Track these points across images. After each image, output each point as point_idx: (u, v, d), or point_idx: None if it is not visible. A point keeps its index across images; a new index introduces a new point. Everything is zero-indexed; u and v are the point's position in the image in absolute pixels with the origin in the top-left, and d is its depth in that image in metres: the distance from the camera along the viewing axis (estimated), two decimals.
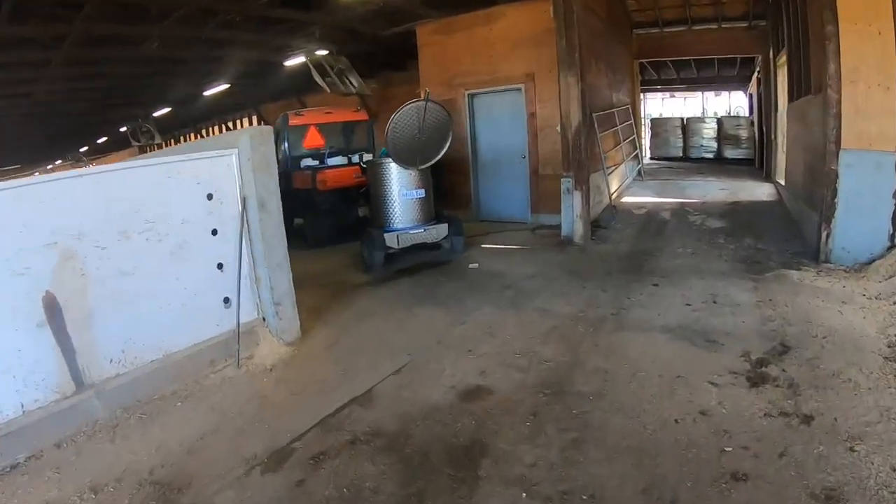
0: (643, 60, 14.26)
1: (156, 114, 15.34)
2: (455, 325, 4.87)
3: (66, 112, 13.46)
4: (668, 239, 7.35)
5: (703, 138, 15.56)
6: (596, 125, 8.24)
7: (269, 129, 4.75)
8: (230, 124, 19.18)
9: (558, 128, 7.55)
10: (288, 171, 8.97)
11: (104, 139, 21.08)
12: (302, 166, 8.83)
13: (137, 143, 15.84)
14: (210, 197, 4.47)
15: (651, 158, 16.00)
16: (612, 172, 9.47)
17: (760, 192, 10.20)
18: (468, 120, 9.25)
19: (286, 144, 9.14)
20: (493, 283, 5.93)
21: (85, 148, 21.99)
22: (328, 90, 9.81)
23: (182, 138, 20.87)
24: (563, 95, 7.05)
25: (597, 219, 8.20)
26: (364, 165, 7.53)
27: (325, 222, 8.39)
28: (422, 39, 9.58)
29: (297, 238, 8.55)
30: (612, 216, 8.50)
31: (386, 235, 6.68)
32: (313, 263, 7.53)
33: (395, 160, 6.50)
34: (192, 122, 19.57)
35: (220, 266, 4.53)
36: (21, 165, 24.64)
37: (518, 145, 8.81)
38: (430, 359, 4.24)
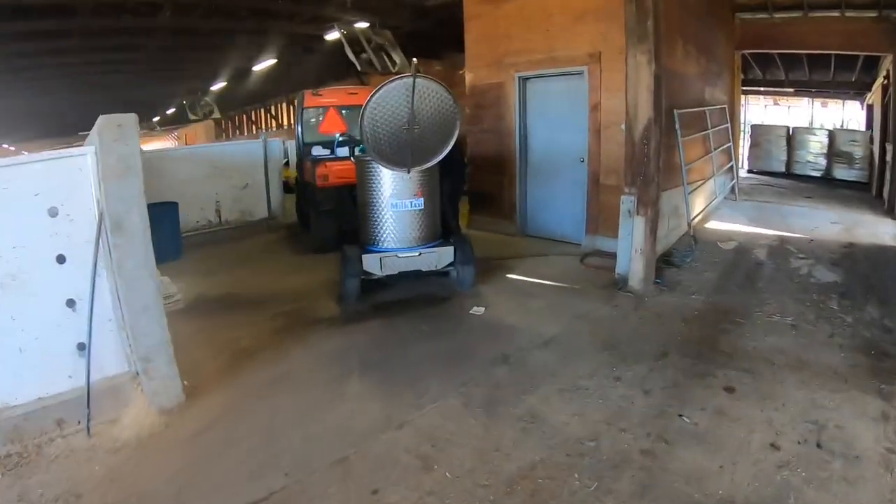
0: (746, 52, 11.31)
1: (213, 87, 14.89)
2: (387, 428, 3.17)
3: (113, 84, 13.30)
4: (760, 294, 5.10)
5: (811, 153, 12.67)
6: (678, 125, 5.96)
7: (131, 118, 3.29)
8: (273, 109, 18.59)
9: (623, 125, 5.44)
10: (300, 159, 7.63)
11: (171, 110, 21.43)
12: (312, 156, 7.39)
13: (196, 118, 15.59)
14: (54, 213, 3.27)
15: (748, 171, 13.08)
16: (696, 189, 7.09)
17: (884, 231, 7.36)
18: (518, 109, 7.30)
19: (300, 128, 7.81)
20: (485, 350, 4.11)
21: (156, 118, 22.45)
22: (359, 67, 8.28)
23: (239, 118, 20.74)
24: (631, 79, 4.94)
25: (668, 252, 5.99)
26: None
27: (327, 224, 6.92)
28: (468, 10, 7.71)
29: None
30: (689, 250, 6.20)
31: (365, 258, 5.05)
32: (294, 276, 6.19)
33: (375, 159, 4.81)
34: (247, 101, 19.19)
35: (70, 303, 3.37)
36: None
37: (576, 145, 6.74)
38: (313, 494, 2.64)
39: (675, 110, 5.82)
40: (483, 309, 4.91)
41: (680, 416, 3.13)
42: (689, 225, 6.47)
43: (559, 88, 6.93)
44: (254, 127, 23.04)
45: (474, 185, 8.26)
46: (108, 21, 8.11)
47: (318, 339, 4.47)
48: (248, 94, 16.79)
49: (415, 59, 4.65)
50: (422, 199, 5.11)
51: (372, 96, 4.56)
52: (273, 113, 21.02)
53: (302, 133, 7.83)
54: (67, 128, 20.74)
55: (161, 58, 11.11)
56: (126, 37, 9.15)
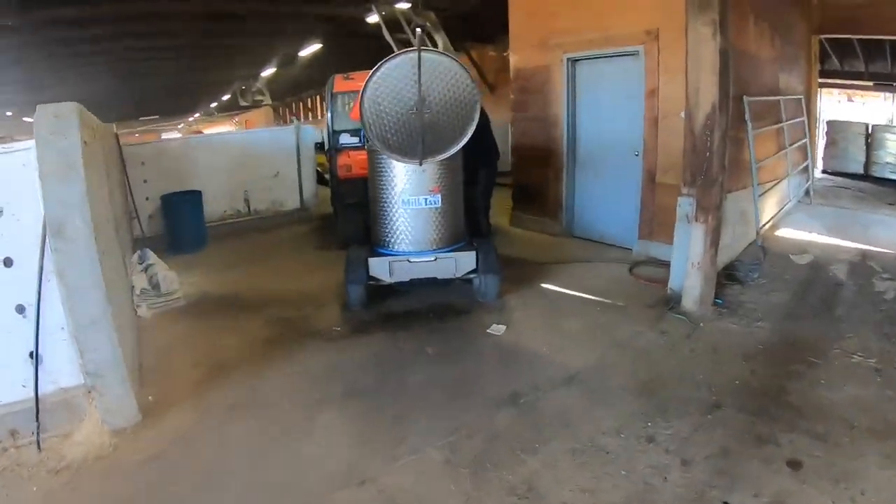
0: (825, 37, 9.68)
1: (263, 73, 14.80)
2: (345, 484, 2.62)
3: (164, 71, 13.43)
4: (838, 324, 4.13)
5: (890, 153, 10.90)
6: (748, 115, 4.95)
7: (71, 108, 2.86)
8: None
9: (683, 113, 4.56)
10: (330, 148, 7.20)
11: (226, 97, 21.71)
12: (339, 145, 6.90)
13: (246, 104, 15.58)
14: None
15: (823, 171, 11.48)
16: (767, 191, 6.01)
17: None
18: (567, 95, 6.47)
19: (329, 115, 7.32)
20: (493, 385, 3.47)
21: (215, 104, 22.81)
22: (395, 49, 7.66)
23: (295, 104, 20.55)
24: (692, 57, 4.07)
25: (732, 264, 5.05)
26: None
27: (352, 218, 6.39)
28: None
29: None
30: (756, 263, 5.20)
31: (372, 262, 4.49)
32: (310, 275, 5.74)
33: (380, 149, 4.22)
34: (299, 88, 19.02)
35: (20, 309, 3.09)
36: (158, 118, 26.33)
37: (630, 137, 5.87)
38: None
39: (744, 97, 4.83)
40: (504, 328, 4.23)
41: (725, 503, 2.35)
42: (757, 233, 5.44)
43: (612, 71, 6.04)
44: (309, 114, 23.06)
45: (519, 178, 7.53)
46: (144, 5, 7.98)
47: (307, 355, 3.97)
48: (299, 81, 16.66)
49: (419, 30, 4.00)
50: (439, 195, 4.47)
51: (372, 75, 3.96)
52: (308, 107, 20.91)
53: (332, 120, 7.33)
54: (126, 114, 21.59)
55: (205, 44, 11.04)
56: (164, 22, 9.04)
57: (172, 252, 6.95)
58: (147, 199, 7.22)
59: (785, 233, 6.39)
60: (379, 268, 4.51)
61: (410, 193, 4.45)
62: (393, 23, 8.10)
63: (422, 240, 4.55)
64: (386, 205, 4.54)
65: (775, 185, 6.43)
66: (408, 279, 4.56)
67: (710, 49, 3.84)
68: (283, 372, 3.72)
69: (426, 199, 4.45)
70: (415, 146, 4.15)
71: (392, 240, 4.59)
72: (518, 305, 4.68)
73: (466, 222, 5.37)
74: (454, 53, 8.22)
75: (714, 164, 4.23)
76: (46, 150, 2.77)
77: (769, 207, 6.23)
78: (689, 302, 4.34)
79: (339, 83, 7.01)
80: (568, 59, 6.34)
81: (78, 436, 3.07)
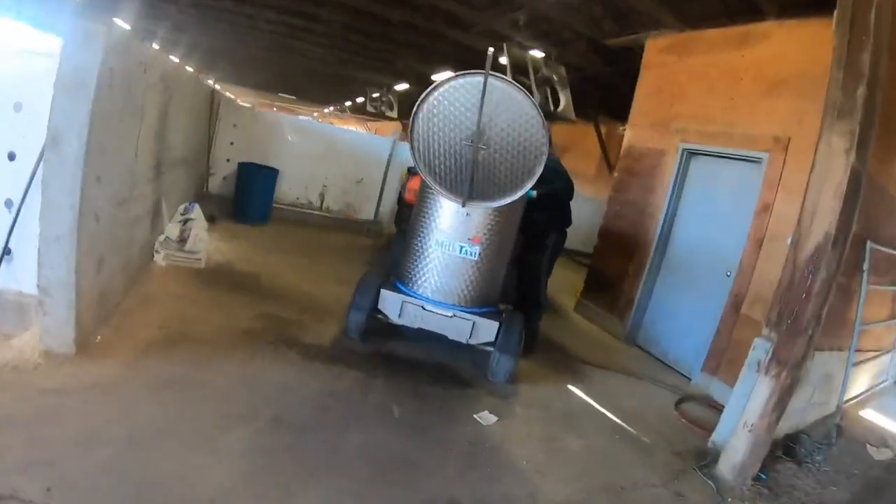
0: None
1: (396, 87, 15.23)
2: None
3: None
4: None
5: None
6: (867, 264, 3.94)
7: (102, 31, 2.85)
8: None
9: (790, 239, 3.74)
10: (408, 171, 7.05)
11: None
12: (414, 168, 6.68)
13: (373, 112, 16.03)
14: (18, 108, 3.00)
15: None
16: (865, 361, 4.78)
17: None
18: (673, 187, 5.75)
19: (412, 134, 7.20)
20: (439, 482, 2.83)
21: (349, 103, 23.48)
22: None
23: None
24: (816, 172, 3.30)
25: (797, 435, 3.99)
26: None
27: (398, 244, 6.10)
28: (647, 57, 6.36)
29: None
30: (825, 443, 4.04)
31: (384, 294, 4.09)
32: (334, 287, 5.42)
33: (424, 176, 3.84)
34: None
35: (8, 204, 3.13)
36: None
37: (727, 252, 5.03)
38: None
39: (868, 241, 3.87)
40: (495, 420, 3.56)
41: None
42: (838, 407, 4.29)
43: (727, 174, 5.27)
44: None
45: (597, 264, 6.86)
46: None
47: (269, 363, 3.62)
48: None
49: (491, 49, 3.58)
50: (478, 247, 3.99)
51: (431, 91, 3.62)
52: None
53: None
54: (264, 84, 23.15)
55: (350, 39, 11.48)
56: (316, 7, 9.50)
57: (233, 218, 7.07)
58: (227, 160, 7.45)
59: (870, 416, 5.08)
60: (390, 304, 4.10)
61: (447, 236, 4.01)
62: (520, 68, 7.84)
63: (445, 290, 4.07)
64: (419, 239, 4.14)
65: (877, 356, 5.18)
66: (416, 327, 4.08)
67: (839, 166, 3.06)
68: (233, 370, 3.39)
69: (462, 248, 3.99)
70: (459, 183, 3.73)
71: (414, 279, 4.16)
72: (527, 400, 4.01)
73: (520, 290, 4.88)
74: (572, 116, 7.79)
75: (808, 310, 3.36)
76: (67, 61, 2.74)
77: (861, 380, 4.98)
78: (725, 466, 3.43)
79: None
80: (684, 150, 5.65)
81: (15, 341, 3.02)
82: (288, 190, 7.94)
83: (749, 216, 4.79)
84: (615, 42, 6.81)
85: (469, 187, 3.74)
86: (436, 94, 3.60)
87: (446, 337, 4.07)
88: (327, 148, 7.98)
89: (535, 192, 4.39)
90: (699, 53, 5.66)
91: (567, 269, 9.11)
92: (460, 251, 3.99)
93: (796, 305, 3.40)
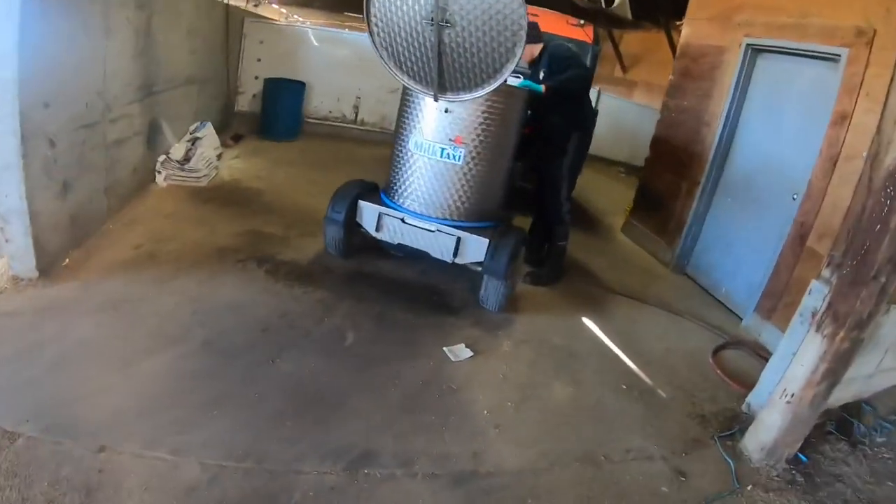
0: None
1: None
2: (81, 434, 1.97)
3: None
4: None
5: None
6: None
7: None
8: None
9: (866, 153, 2.94)
10: None
11: None
12: None
13: None
14: None
15: None
16: None
17: None
18: (734, 91, 4.77)
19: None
20: (363, 428, 2.49)
21: None
22: None
23: None
24: None
25: (857, 405, 3.29)
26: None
27: None
28: None
29: None
30: (892, 419, 3.34)
31: (361, 204, 3.72)
32: None
33: (388, 67, 3.34)
34: None
35: None
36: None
37: (794, 171, 4.13)
38: None
39: None
40: (468, 356, 3.16)
41: None
42: None
43: (799, 76, 4.24)
44: None
45: (647, 179, 6.08)
46: None
47: (224, 284, 3.43)
48: None
49: None
50: (462, 149, 3.45)
51: None
52: None
53: None
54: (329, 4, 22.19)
55: None
56: None
57: (261, 135, 6.94)
58: (256, 77, 7.17)
59: None
60: (367, 216, 3.71)
61: (426, 137, 3.49)
62: None
63: (428, 201, 3.61)
64: (399, 142, 3.68)
65: None
66: (396, 243, 3.69)
67: None
68: (187, 289, 3.29)
69: (443, 150, 3.48)
70: (424, 70, 3.18)
71: (395, 188, 3.73)
72: (523, 333, 3.57)
73: (539, 206, 4.42)
74: (627, 15, 6.68)
75: (882, 248, 2.61)
76: None
77: None
78: (752, 442, 2.87)
79: None
80: (748, 46, 4.61)
81: None
82: (320, 104, 7.58)
83: (822, 128, 3.84)
84: None
85: (438, 76, 3.17)
86: None
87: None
88: (360, 58, 7.40)
89: (543, 87, 3.75)
90: None
91: (623, 185, 8.30)
92: (441, 154, 3.48)
93: (867, 241, 2.64)
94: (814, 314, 2.83)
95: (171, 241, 3.74)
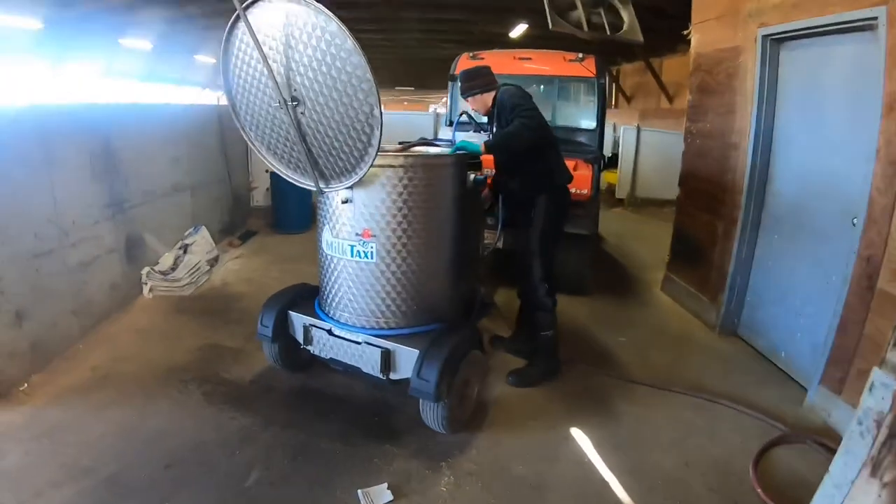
0: None
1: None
2: None
3: None
4: None
5: None
6: None
7: None
8: None
9: None
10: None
11: None
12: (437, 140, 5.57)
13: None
14: None
15: None
16: None
17: None
18: (759, 98, 3.76)
19: (449, 100, 6.11)
20: None
21: None
22: (551, 25, 5.74)
23: None
24: None
25: None
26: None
27: None
28: None
29: None
30: None
31: (291, 314, 3.17)
32: None
33: (257, 150, 2.83)
34: None
35: None
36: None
37: (849, 184, 3.03)
38: None
39: None
40: (387, 501, 2.35)
41: None
42: None
43: (832, 61, 3.20)
44: None
45: (680, 223, 5.04)
46: None
47: (157, 410, 3.01)
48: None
49: None
50: (372, 243, 2.81)
51: (230, 30, 2.46)
52: None
53: (450, 109, 6.05)
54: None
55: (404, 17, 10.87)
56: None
57: (274, 228, 6.95)
58: (266, 171, 7.15)
59: None
60: (296, 327, 3.13)
61: (333, 233, 2.89)
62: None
63: (355, 308, 2.91)
64: (319, 242, 3.10)
65: None
66: (327, 357, 3.06)
67: None
68: (120, 416, 2.93)
69: (352, 248, 2.82)
70: (287, 153, 2.64)
71: (324, 295, 3.10)
72: (476, 461, 2.64)
73: (519, 290, 3.54)
74: (639, 37, 5.83)
75: None
76: None
77: None
78: None
79: (464, 64, 5.58)
80: (765, 38, 3.63)
81: None
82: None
83: (874, 122, 2.76)
84: None
85: (313, 163, 2.61)
86: (237, 32, 2.48)
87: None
88: None
89: (482, 145, 3.07)
90: None
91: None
92: (352, 253, 2.84)
93: None
94: (872, 425, 1.74)
95: (129, 362, 3.52)
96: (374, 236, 2.77)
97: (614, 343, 4.00)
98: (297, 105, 2.39)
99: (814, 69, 3.37)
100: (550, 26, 5.88)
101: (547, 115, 5.88)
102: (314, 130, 2.47)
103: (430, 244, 2.88)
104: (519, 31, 10.63)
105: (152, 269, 4.79)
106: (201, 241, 5.42)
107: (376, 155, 2.40)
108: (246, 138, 2.77)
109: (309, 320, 3.06)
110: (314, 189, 2.72)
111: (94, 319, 3.97)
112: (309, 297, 3.29)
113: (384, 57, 16.05)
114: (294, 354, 3.30)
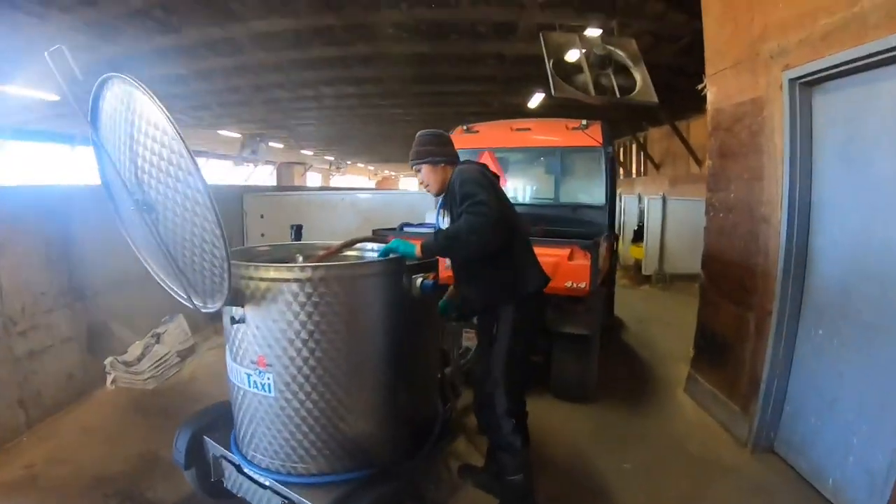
0: None
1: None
2: None
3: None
4: None
5: None
6: None
7: None
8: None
9: None
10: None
11: None
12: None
13: None
14: None
15: None
16: None
17: None
18: (790, 164, 2.99)
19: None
20: None
21: None
22: (553, 91, 5.24)
23: None
24: None
25: None
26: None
27: None
28: None
29: None
30: None
31: (206, 440, 2.61)
32: None
33: (136, 251, 2.26)
34: None
35: None
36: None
37: None
38: None
39: None
40: None
41: None
42: None
43: (880, 98, 2.44)
44: None
45: (704, 315, 4.17)
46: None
47: None
48: None
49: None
50: (268, 373, 2.11)
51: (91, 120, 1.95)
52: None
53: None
54: (384, 156, 24.06)
55: (412, 92, 10.81)
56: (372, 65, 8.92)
57: None
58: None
59: None
60: (209, 455, 2.54)
61: (232, 356, 2.26)
62: (559, 48, 5.67)
63: (265, 445, 2.22)
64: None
65: None
66: (239, 496, 2.36)
67: None
68: None
69: (249, 377, 2.16)
70: (177, 273, 2.03)
71: (235, 426, 2.44)
72: None
73: (487, 435, 2.66)
74: (653, 99, 5.24)
75: None
76: None
77: None
78: None
79: (460, 138, 5.06)
80: (793, 83, 2.92)
81: None
82: None
83: None
84: None
85: (181, 276, 2.00)
86: (97, 125, 1.97)
87: None
88: (364, 219, 6.73)
89: (417, 247, 2.30)
90: None
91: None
92: (248, 382, 2.16)
93: None
94: None
95: (63, 464, 3.17)
96: (270, 365, 2.10)
97: (616, 470, 3.07)
98: (147, 210, 1.84)
99: (856, 115, 2.61)
100: (553, 92, 5.38)
101: (549, 192, 5.29)
102: (172, 241, 1.93)
103: (350, 373, 2.17)
104: (536, 100, 10.34)
105: (116, 359, 4.43)
106: (174, 331, 4.95)
107: (229, 282, 1.84)
108: (123, 232, 2.20)
109: (220, 451, 2.44)
110: (190, 306, 2.09)
111: (44, 411, 3.74)
112: (210, 423, 2.64)
113: (404, 133, 16.23)
114: (217, 480, 2.60)
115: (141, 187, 1.85)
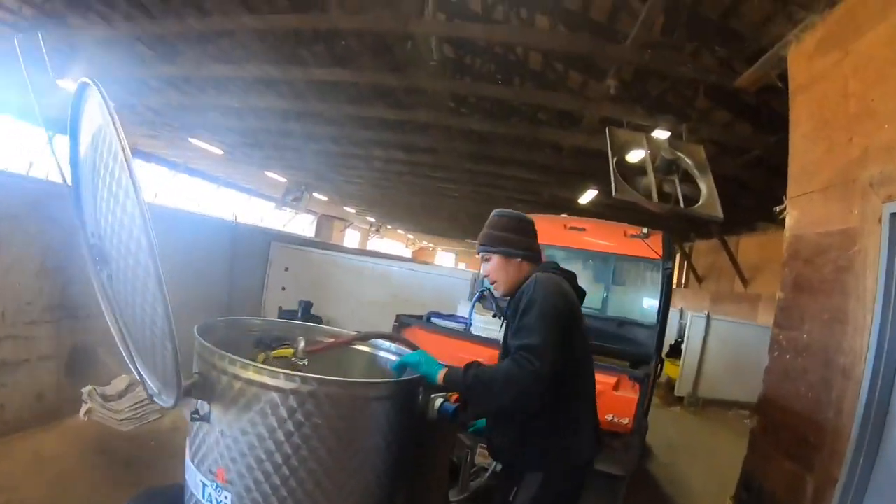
0: None
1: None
2: None
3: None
4: None
5: None
6: None
7: None
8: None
9: None
10: None
11: None
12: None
13: None
14: None
15: None
16: None
17: None
18: (882, 310, 2.56)
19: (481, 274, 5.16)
20: None
21: None
22: (614, 191, 4.92)
23: None
24: None
25: None
26: None
27: None
28: (796, 73, 3.51)
29: None
30: None
31: None
32: None
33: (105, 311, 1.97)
34: None
35: None
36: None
37: None
38: None
39: None
40: None
41: None
42: None
43: None
44: None
45: (752, 465, 3.61)
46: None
47: None
48: None
49: None
50: (227, 490, 1.67)
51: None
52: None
53: (479, 282, 5.04)
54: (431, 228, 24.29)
55: (469, 170, 10.79)
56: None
57: None
58: (280, 307, 6.71)
59: None
60: None
61: (191, 455, 1.83)
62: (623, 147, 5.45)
63: None
64: None
65: None
66: None
67: None
68: None
69: (204, 489, 1.73)
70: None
71: None
72: None
73: None
74: (718, 213, 4.87)
75: None
76: None
77: None
78: None
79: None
80: (895, 217, 2.54)
81: None
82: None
83: None
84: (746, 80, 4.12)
85: (136, 354, 1.76)
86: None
87: None
88: (394, 296, 6.47)
89: (440, 373, 1.88)
90: (878, 27, 2.75)
91: (745, 439, 5.36)
92: (203, 494, 1.73)
93: None
94: None
95: (4, 494, 2.95)
96: (231, 483, 1.67)
97: None
98: (101, 263, 1.58)
99: None
100: (614, 192, 5.02)
101: (595, 303, 4.68)
102: (125, 307, 1.66)
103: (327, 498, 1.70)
104: (589, 197, 10.14)
105: (95, 389, 4.08)
106: None
107: (177, 377, 1.54)
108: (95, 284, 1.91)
109: None
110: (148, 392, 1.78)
111: (3, 428, 3.58)
112: None
113: (449, 207, 16.21)
114: None
115: (99, 228, 1.54)
